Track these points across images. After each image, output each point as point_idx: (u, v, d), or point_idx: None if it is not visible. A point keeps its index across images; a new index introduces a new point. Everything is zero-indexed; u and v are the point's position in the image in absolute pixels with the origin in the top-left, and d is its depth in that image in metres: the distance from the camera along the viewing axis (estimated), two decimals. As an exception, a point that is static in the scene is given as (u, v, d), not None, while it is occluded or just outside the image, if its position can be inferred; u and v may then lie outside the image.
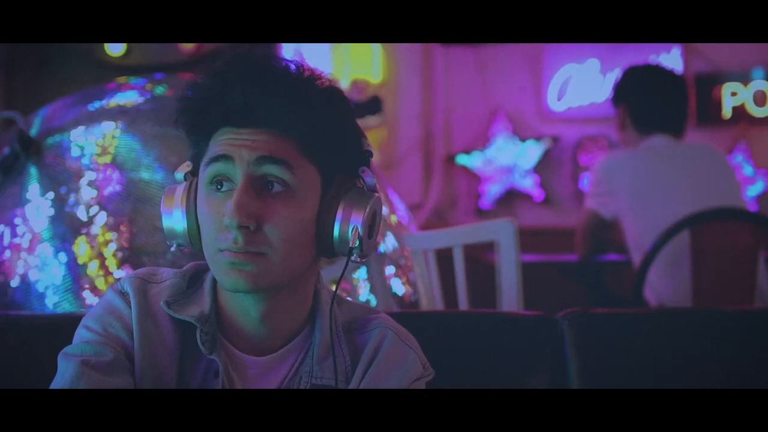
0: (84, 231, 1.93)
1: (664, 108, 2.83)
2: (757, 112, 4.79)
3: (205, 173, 1.05)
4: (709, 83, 4.78)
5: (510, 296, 2.04)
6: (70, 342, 1.09)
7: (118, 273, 1.88)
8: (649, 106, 2.82)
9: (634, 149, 2.82)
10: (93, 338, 1.07)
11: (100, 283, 1.89)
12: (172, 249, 1.09)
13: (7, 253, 1.97)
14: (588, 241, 2.87)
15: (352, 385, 1.09)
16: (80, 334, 1.09)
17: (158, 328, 1.08)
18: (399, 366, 1.11)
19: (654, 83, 2.86)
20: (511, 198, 5.08)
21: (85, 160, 2.01)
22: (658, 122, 2.81)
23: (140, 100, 2.15)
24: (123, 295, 1.10)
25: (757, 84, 4.78)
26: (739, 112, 4.79)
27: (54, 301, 1.91)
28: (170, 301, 1.09)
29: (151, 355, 1.07)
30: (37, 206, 1.97)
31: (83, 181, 1.97)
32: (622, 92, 2.89)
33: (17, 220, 1.98)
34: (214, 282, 1.11)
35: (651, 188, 2.68)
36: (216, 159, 1.04)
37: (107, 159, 2.00)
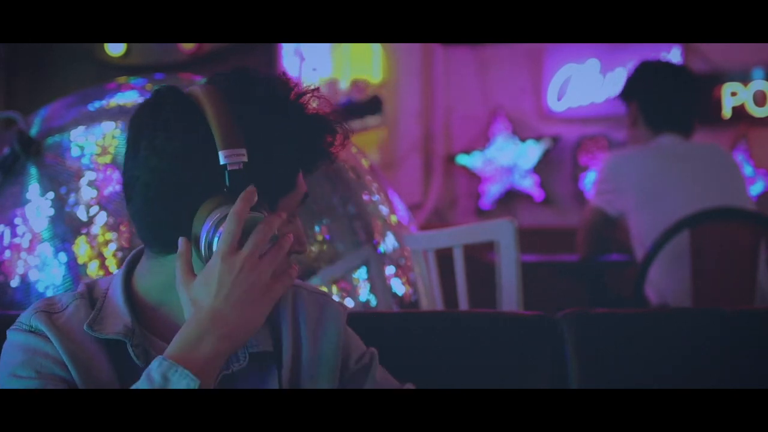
0: (84, 231, 1.93)
1: (677, 107, 2.80)
2: (757, 112, 4.79)
3: (295, 207, 1.08)
4: (709, 83, 4.78)
5: (510, 296, 2.04)
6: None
7: (118, 273, 1.88)
8: (663, 105, 2.78)
9: (643, 147, 2.80)
10: (29, 384, 1.02)
11: (100, 283, 1.88)
12: None
13: (7, 253, 1.97)
14: (591, 239, 2.84)
15: (288, 353, 1.11)
16: (12, 386, 1.02)
17: (87, 352, 1.05)
18: (326, 318, 1.15)
19: (669, 82, 2.81)
20: (511, 198, 5.08)
21: (85, 160, 2.01)
22: (671, 121, 2.78)
23: (140, 100, 2.14)
24: (35, 333, 1.05)
25: (757, 84, 4.79)
26: (739, 112, 4.79)
27: (54, 301, 1.91)
28: (90, 322, 1.06)
29: (93, 380, 1.04)
30: (37, 206, 1.97)
31: (83, 181, 1.97)
32: (635, 89, 2.83)
33: (17, 220, 1.98)
34: (128, 291, 1.09)
35: (658, 187, 2.66)
36: (306, 195, 1.10)
37: (107, 159, 2.00)
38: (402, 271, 2.21)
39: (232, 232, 0.98)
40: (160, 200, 1.03)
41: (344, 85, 5.05)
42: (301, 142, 1.06)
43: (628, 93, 2.86)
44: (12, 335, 1.07)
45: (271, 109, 1.04)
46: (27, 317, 1.07)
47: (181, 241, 1.02)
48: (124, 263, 1.13)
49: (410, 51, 5.15)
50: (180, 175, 1.02)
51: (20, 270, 1.94)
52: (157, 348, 1.06)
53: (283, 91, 1.06)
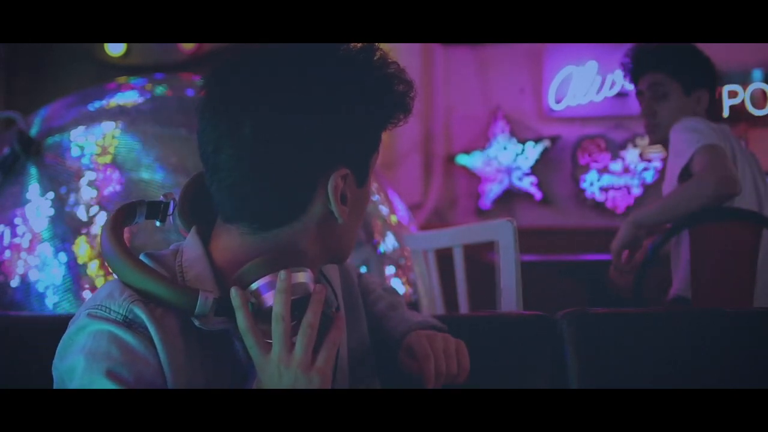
0: (84, 231, 1.93)
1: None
2: (756, 112, 4.80)
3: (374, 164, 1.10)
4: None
5: (510, 296, 2.04)
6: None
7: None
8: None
9: (725, 126, 2.58)
10: (125, 386, 0.96)
11: (100, 283, 1.89)
12: None
13: (7, 253, 1.97)
14: (727, 169, 2.28)
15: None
16: (106, 384, 0.96)
17: (185, 352, 1.00)
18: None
19: (716, 71, 2.64)
20: (511, 198, 5.08)
21: (85, 160, 2.01)
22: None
23: (140, 100, 2.15)
24: (134, 330, 0.98)
25: (756, 84, 4.79)
26: (739, 112, 4.80)
27: (54, 301, 1.91)
28: (197, 314, 0.99)
29: (186, 385, 1.00)
30: (37, 206, 1.97)
31: (83, 181, 1.98)
32: (707, 76, 2.60)
33: (17, 220, 1.98)
34: (212, 266, 1.05)
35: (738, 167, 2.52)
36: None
37: (107, 159, 2.00)
38: (402, 271, 2.21)
39: (281, 336, 0.97)
40: (271, 172, 1.01)
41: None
42: (380, 96, 1.06)
43: (702, 79, 2.60)
44: (100, 324, 0.98)
45: (351, 68, 1.04)
46: (120, 305, 0.99)
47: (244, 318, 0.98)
48: (195, 237, 1.07)
49: (410, 51, 5.15)
50: (296, 150, 1.01)
51: (20, 270, 1.94)
52: None
53: (353, 50, 1.06)
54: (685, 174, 2.33)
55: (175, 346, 1.00)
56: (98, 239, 1.72)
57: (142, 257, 1.06)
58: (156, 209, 1.10)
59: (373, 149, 1.09)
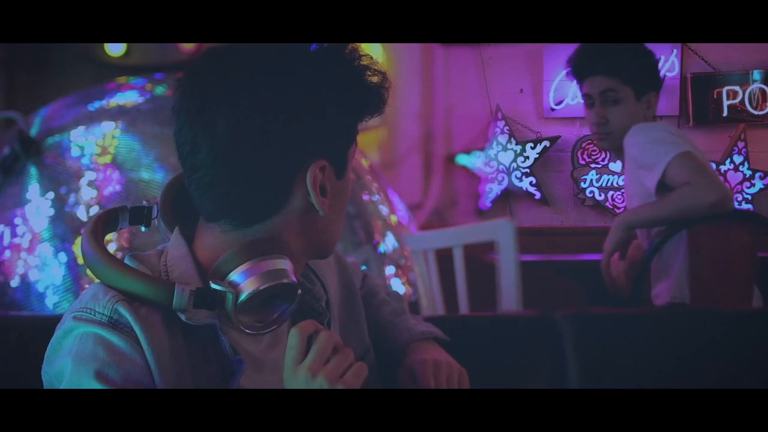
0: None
1: None
2: (754, 113, 4.80)
3: (352, 160, 1.10)
4: (706, 84, 4.79)
5: (509, 296, 2.04)
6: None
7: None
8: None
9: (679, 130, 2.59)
10: (113, 387, 0.96)
11: (100, 283, 1.88)
12: None
13: (7, 253, 1.97)
14: (719, 182, 2.30)
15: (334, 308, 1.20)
16: (95, 385, 0.96)
17: (171, 348, 1.00)
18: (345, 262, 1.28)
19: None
20: (510, 198, 5.08)
21: (85, 160, 2.01)
22: None
23: (140, 100, 2.15)
24: (119, 330, 0.98)
25: (755, 85, 4.79)
26: (737, 112, 4.80)
27: (54, 301, 1.92)
28: (181, 308, 0.99)
29: (174, 382, 1.00)
30: (37, 206, 1.98)
31: (83, 181, 1.98)
32: (658, 77, 2.57)
33: (17, 220, 1.99)
34: (196, 263, 1.05)
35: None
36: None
37: (107, 159, 2.00)
38: (402, 271, 2.21)
39: (296, 347, 0.98)
40: (248, 168, 1.01)
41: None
42: (352, 88, 1.06)
43: (652, 82, 2.58)
44: (86, 327, 0.98)
45: (322, 62, 1.04)
46: (105, 306, 0.99)
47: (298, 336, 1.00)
48: (178, 237, 1.07)
49: (410, 51, 5.15)
50: (273, 144, 1.00)
51: (20, 270, 1.94)
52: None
53: (325, 45, 1.06)
54: (662, 186, 2.33)
55: (161, 343, 1.00)
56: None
57: (126, 259, 1.06)
58: (140, 214, 1.11)
59: (350, 141, 1.09)
